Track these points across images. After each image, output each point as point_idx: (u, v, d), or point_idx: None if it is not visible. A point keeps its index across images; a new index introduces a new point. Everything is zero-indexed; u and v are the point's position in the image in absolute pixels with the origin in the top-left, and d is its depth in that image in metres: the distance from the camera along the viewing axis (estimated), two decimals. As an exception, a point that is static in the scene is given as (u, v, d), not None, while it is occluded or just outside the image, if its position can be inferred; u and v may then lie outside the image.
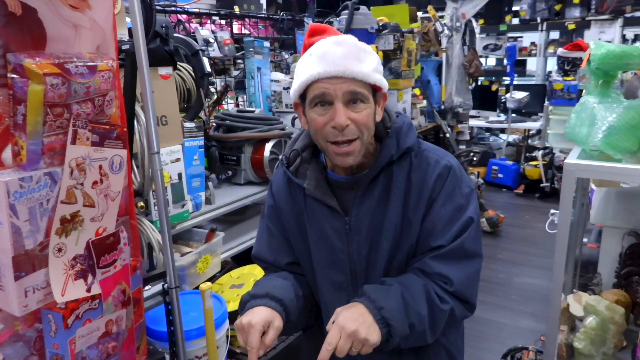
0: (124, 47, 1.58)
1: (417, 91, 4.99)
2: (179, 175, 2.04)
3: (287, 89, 3.17)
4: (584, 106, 1.72)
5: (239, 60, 3.62)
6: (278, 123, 2.68)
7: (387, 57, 3.70)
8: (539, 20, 6.51)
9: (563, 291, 1.67)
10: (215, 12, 3.94)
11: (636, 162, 1.52)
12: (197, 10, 3.66)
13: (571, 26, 6.17)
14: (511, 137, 6.84)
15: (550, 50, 6.73)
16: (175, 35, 2.58)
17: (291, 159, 1.29)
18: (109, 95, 1.22)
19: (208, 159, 2.54)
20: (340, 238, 1.23)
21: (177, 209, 2.03)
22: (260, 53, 3.19)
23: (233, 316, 2.15)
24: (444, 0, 5.14)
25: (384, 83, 1.15)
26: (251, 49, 3.15)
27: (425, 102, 4.94)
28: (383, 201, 1.19)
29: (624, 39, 5.99)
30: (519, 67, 7.26)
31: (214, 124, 2.68)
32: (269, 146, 2.56)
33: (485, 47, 7.02)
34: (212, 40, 3.33)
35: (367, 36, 3.36)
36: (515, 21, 6.93)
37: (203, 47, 3.04)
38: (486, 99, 6.60)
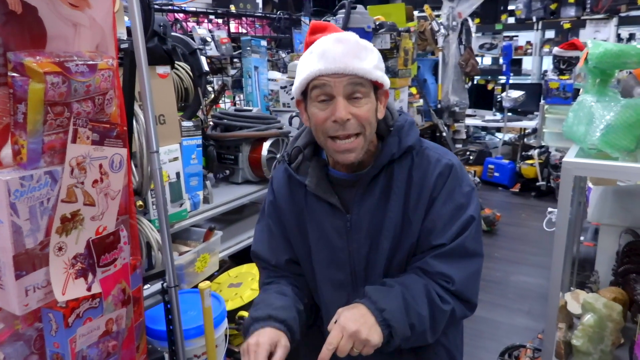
0: (123, 46, 1.57)
1: (413, 90, 4.99)
2: (177, 174, 2.04)
3: (285, 87, 3.17)
4: (581, 105, 1.72)
5: (235, 60, 3.62)
6: (275, 122, 2.67)
7: (384, 56, 3.67)
8: (534, 19, 6.54)
9: (560, 289, 1.68)
10: (212, 10, 3.93)
11: (633, 160, 1.53)
12: (194, 9, 3.66)
13: (566, 25, 6.20)
14: (507, 136, 6.86)
15: (546, 49, 6.75)
16: (172, 34, 2.58)
17: (293, 156, 1.29)
18: (109, 94, 1.22)
19: (205, 158, 2.53)
20: (341, 236, 1.23)
21: (175, 208, 2.03)
22: (258, 52, 3.19)
23: (232, 315, 2.15)
24: (440, -1, 5.16)
25: (385, 80, 1.15)
26: (248, 48, 3.15)
27: (421, 101, 4.94)
28: (384, 199, 1.19)
29: (619, 38, 6.02)
30: (515, 66, 7.28)
31: (211, 123, 2.68)
32: (266, 145, 2.56)
33: (481, 46, 7.04)
34: (209, 39, 3.33)
35: (363, 35, 3.35)
36: (511, 20, 6.95)
37: (200, 46, 3.04)
38: (482, 98, 6.61)
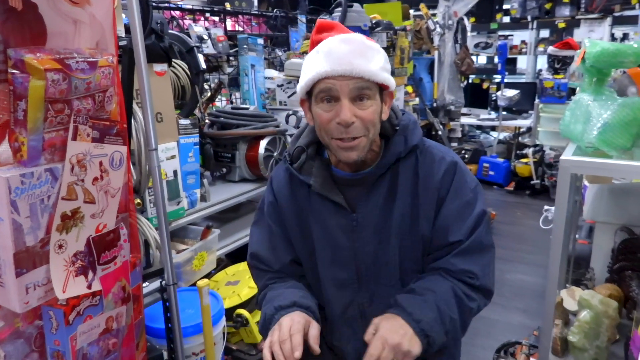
0: (121, 43, 1.57)
1: (409, 89, 5.01)
2: (175, 172, 2.04)
3: (281, 86, 3.17)
4: (578, 104, 1.73)
5: (232, 58, 3.61)
6: (272, 120, 2.68)
7: (381, 55, 3.70)
8: (529, 18, 6.55)
9: (557, 286, 1.69)
10: (208, 8, 3.93)
11: (629, 158, 1.54)
12: (190, 6, 3.65)
13: (561, 25, 6.22)
14: (502, 135, 6.87)
15: (541, 48, 6.77)
16: (169, 31, 2.57)
17: (295, 155, 1.28)
18: (109, 91, 1.21)
19: (202, 157, 2.53)
20: (346, 235, 1.23)
21: (172, 206, 2.03)
22: (254, 50, 3.19)
23: (229, 313, 2.15)
24: (435, -2, 5.17)
25: (391, 82, 1.14)
26: (245, 46, 3.15)
27: (417, 99, 4.96)
28: (390, 197, 1.20)
29: (613, 38, 6.04)
30: (510, 65, 7.30)
31: (208, 121, 2.67)
32: (263, 143, 2.56)
33: (477, 45, 7.05)
34: (205, 37, 3.32)
35: (360, 33, 3.36)
36: (506, 19, 6.96)
37: (197, 44, 3.04)
38: (477, 97, 6.62)
